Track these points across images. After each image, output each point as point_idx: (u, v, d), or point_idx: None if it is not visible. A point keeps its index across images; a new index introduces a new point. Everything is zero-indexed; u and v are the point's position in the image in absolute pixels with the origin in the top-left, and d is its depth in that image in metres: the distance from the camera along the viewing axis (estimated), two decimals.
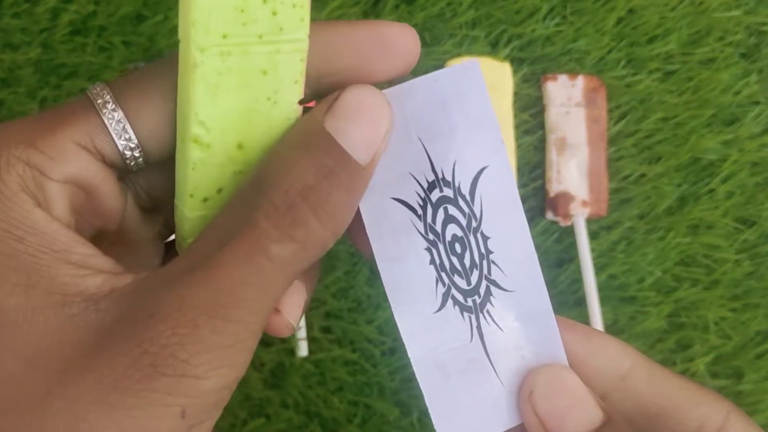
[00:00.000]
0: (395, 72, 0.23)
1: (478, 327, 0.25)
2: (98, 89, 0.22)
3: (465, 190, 0.24)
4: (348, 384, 0.53)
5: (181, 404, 0.20)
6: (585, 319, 0.54)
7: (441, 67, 0.55)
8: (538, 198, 0.56)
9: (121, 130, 0.22)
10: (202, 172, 0.23)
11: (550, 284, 0.55)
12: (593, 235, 0.56)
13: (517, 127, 0.56)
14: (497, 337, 0.25)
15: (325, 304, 0.53)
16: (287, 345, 0.52)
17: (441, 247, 0.25)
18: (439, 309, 0.25)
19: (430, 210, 0.24)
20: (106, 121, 0.22)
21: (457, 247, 0.25)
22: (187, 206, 0.23)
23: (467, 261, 0.25)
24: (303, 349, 0.52)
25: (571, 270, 0.55)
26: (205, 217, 0.24)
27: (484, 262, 0.25)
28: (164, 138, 0.23)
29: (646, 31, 0.58)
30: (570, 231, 0.55)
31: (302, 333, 0.52)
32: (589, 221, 0.56)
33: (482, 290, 0.25)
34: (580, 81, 0.56)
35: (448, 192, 0.24)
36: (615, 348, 0.25)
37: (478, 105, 0.24)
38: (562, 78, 0.56)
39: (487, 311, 0.25)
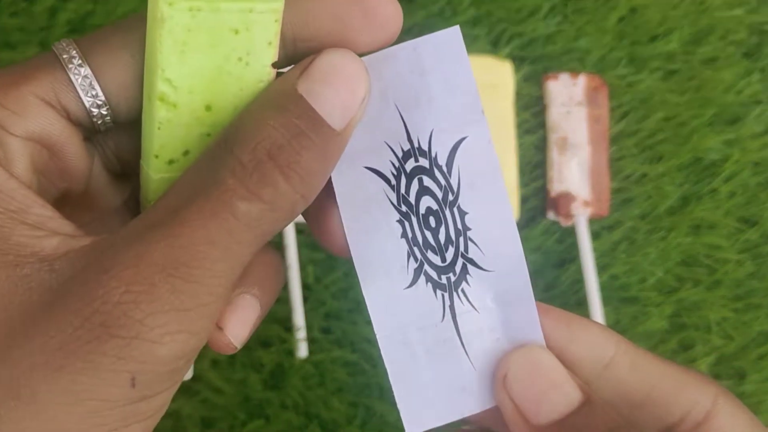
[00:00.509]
0: (376, 43, 0.22)
1: (451, 306, 0.24)
2: (64, 45, 0.21)
3: (442, 161, 0.23)
4: (348, 385, 0.52)
5: (131, 370, 0.19)
6: None
7: None
8: (539, 198, 0.56)
9: (87, 87, 0.21)
10: (169, 132, 0.22)
11: (552, 285, 0.55)
12: (595, 235, 0.55)
13: (518, 126, 0.56)
14: (471, 318, 0.24)
15: (325, 305, 0.53)
16: (287, 346, 0.52)
17: (414, 220, 0.24)
18: (410, 285, 0.24)
19: (404, 180, 0.23)
20: (72, 76, 0.21)
21: (432, 221, 0.24)
22: (152, 167, 0.23)
23: (442, 236, 0.24)
24: (302, 350, 0.52)
25: (572, 270, 0.55)
26: (170, 180, 0.23)
27: (461, 239, 0.24)
28: (133, 96, 0.22)
29: (648, 30, 0.58)
30: (571, 231, 0.55)
31: (302, 334, 0.52)
32: (591, 221, 0.55)
33: (458, 268, 0.24)
34: (582, 80, 0.56)
35: (424, 162, 0.23)
36: (597, 334, 0.24)
37: (459, 73, 0.23)
38: (564, 77, 0.56)
39: (462, 290, 0.24)
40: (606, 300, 0.55)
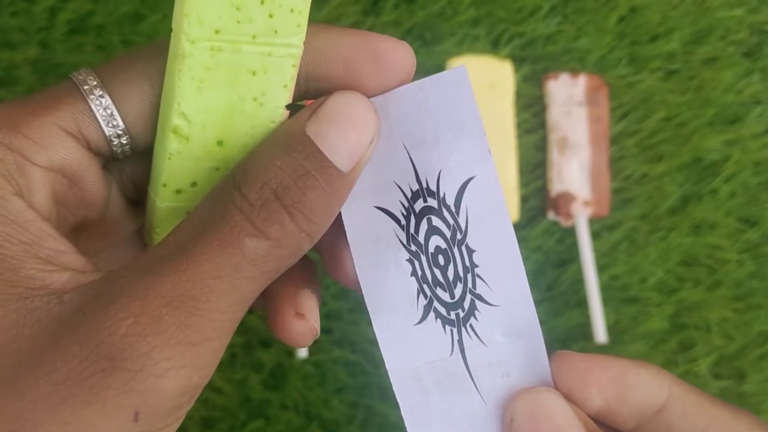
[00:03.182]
0: (386, 87, 0.23)
1: (460, 341, 0.24)
2: (83, 75, 0.22)
3: (450, 200, 0.24)
4: (348, 385, 0.52)
5: (134, 405, 0.19)
6: (587, 319, 0.54)
7: (442, 67, 0.55)
8: (539, 198, 0.56)
9: (108, 117, 0.22)
10: (179, 163, 0.22)
11: (552, 285, 0.55)
12: (595, 235, 0.55)
13: (518, 126, 0.56)
14: (480, 352, 0.24)
15: (326, 305, 0.53)
16: (287, 346, 0.52)
17: (423, 258, 0.24)
18: (420, 321, 0.24)
19: (413, 220, 0.24)
20: (93, 107, 0.21)
21: (440, 260, 0.24)
22: (159, 195, 0.23)
23: (451, 274, 0.24)
24: (303, 350, 0.52)
25: (572, 270, 0.55)
26: (176, 209, 0.23)
27: (469, 276, 0.24)
28: (152, 125, 0.22)
29: (648, 30, 0.58)
30: (571, 231, 0.55)
31: None
32: (591, 221, 0.55)
33: (466, 304, 0.24)
34: (582, 80, 0.56)
35: (432, 202, 0.24)
36: (651, 382, 0.24)
37: (465, 113, 0.23)
38: (564, 77, 0.56)
39: (471, 325, 0.24)
40: (606, 300, 0.54)
